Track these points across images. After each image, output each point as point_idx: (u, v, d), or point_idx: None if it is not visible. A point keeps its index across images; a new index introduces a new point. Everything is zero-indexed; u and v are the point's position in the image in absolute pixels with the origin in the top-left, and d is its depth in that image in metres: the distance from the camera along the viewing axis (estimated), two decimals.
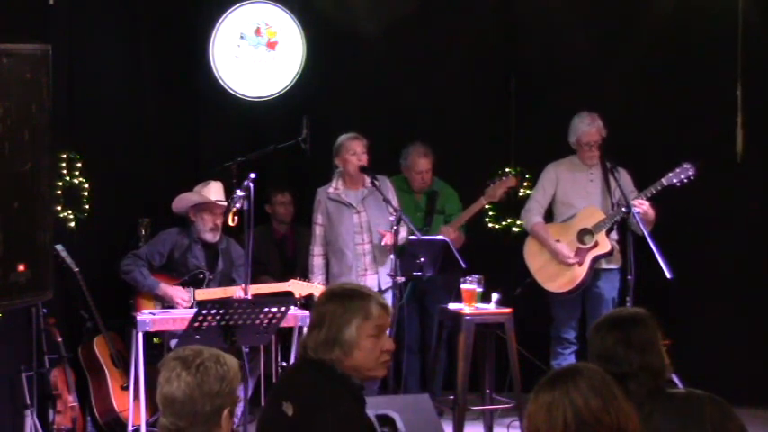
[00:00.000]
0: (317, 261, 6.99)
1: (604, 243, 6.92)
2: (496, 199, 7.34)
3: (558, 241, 7.01)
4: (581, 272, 6.93)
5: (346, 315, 3.33)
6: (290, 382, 3.48)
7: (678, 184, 6.77)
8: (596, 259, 6.94)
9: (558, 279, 7.00)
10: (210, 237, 6.82)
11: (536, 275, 7.06)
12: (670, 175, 6.77)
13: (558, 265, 6.99)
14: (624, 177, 6.95)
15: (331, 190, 6.97)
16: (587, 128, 6.99)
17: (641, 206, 6.70)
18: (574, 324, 7.06)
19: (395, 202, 6.80)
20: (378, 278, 6.89)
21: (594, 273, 6.97)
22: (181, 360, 2.88)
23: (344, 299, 3.37)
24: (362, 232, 6.92)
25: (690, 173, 6.75)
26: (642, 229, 6.62)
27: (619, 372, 3.15)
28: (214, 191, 6.82)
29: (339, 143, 6.93)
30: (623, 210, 6.74)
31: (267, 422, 3.42)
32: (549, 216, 7.20)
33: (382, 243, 6.81)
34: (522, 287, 7.19)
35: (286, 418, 3.26)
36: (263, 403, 6.55)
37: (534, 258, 7.09)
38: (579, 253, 6.94)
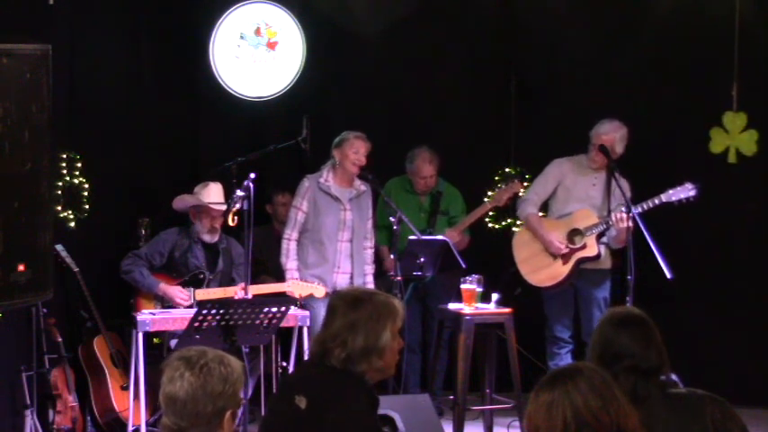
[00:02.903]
0: (292, 246, 6.90)
1: (592, 246, 6.91)
2: (501, 204, 7.38)
3: None
4: (564, 270, 6.93)
5: (381, 321, 3.32)
6: (305, 376, 3.48)
7: (677, 204, 6.70)
8: (582, 261, 6.93)
9: (540, 273, 7.01)
10: (209, 238, 6.82)
11: (520, 266, 7.07)
12: (670, 192, 6.68)
13: (543, 260, 6.99)
14: (624, 185, 6.87)
15: (322, 180, 6.90)
16: (607, 129, 6.90)
17: (621, 222, 6.64)
18: (566, 323, 7.05)
19: (369, 212, 6.95)
20: (349, 278, 6.88)
21: (584, 273, 6.97)
22: (185, 360, 2.88)
23: (370, 304, 3.35)
24: (345, 229, 6.89)
25: (691, 194, 6.65)
26: (616, 243, 6.61)
27: (618, 369, 3.16)
28: (213, 193, 6.80)
29: (344, 137, 6.88)
30: (622, 209, 6.68)
31: (278, 414, 3.42)
32: (544, 211, 7.19)
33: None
34: (506, 275, 7.19)
35: (298, 410, 3.27)
36: (262, 404, 6.56)
37: (522, 249, 7.10)
38: (566, 252, 6.94)
